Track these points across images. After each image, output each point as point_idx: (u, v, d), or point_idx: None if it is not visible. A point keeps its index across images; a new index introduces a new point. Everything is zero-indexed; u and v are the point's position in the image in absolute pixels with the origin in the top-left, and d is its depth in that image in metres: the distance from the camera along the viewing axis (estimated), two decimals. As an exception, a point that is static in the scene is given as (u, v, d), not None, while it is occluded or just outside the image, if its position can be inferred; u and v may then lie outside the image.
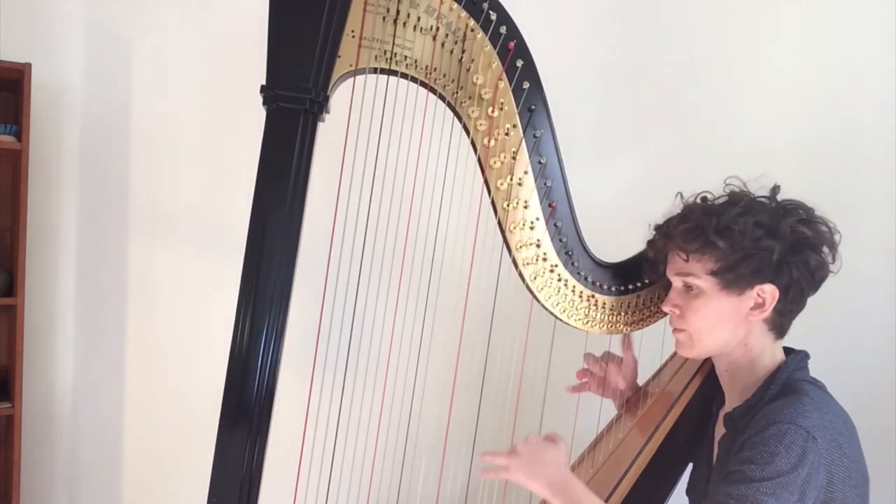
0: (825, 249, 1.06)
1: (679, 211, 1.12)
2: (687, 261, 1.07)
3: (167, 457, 1.92)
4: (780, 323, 1.08)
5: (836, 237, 1.07)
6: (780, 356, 1.10)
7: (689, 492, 1.24)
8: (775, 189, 1.10)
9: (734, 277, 1.03)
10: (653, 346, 1.31)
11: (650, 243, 1.16)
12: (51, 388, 1.85)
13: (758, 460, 0.95)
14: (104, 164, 1.87)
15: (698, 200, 1.12)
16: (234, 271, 1.01)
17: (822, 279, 1.07)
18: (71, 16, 1.81)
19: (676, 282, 1.11)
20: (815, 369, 1.12)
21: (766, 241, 1.02)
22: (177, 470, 1.89)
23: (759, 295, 1.05)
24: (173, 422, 1.90)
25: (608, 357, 1.32)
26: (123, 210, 1.87)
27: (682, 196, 1.14)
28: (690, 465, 1.25)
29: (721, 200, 1.09)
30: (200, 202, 1.88)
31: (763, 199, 1.08)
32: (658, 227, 1.15)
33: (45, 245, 1.82)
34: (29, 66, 1.63)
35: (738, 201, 1.07)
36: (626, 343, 1.31)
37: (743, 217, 1.03)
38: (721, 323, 1.07)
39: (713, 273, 1.04)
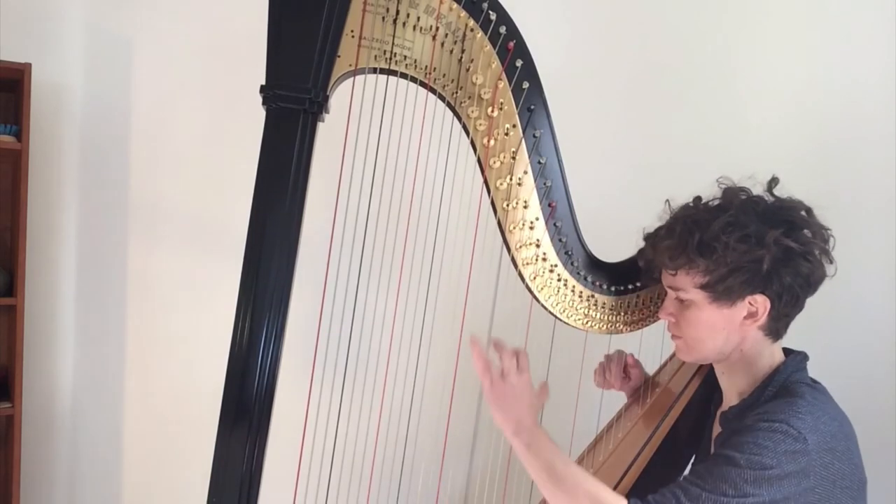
0: (816, 254, 1.03)
1: (667, 219, 1.10)
2: (675, 275, 1.07)
3: (167, 456, 1.92)
4: (776, 328, 1.07)
5: (830, 241, 1.05)
6: (779, 357, 1.10)
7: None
8: (772, 182, 1.08)
9: (724, 290, 1.02)
10: (653, 346, 1.31)
11: (640, 253, 1.15)
12: (51, 388, 1.86)
13: (745, 450, 0.95)
14: (104, 164, 1.87)
15: (690, 204, 1.09)
16: (234, 270, 1.01)
17: (819, 282, 1.05)
18: (71, 16, 1.81)
19: (669, 292, 1.11)
20: (815, 369, 1.12)
21: (754, 254, 1.00)
22: (176, 469, 1.89)
23: (751, 304, 1.04)
24: (173, 421, 1.90)
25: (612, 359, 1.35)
26: (123, 210, 1.87)
27: (669, 204, 1.12)
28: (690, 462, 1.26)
29: (714, 203, 1.07)
30: (200, 202, 1.88)
31: (757, 200, 1.06)
32: (647, 238, 1.14)
33: (45, 245, 1.82)
34: (29, 66, 1.63)
35: (728, 207, 1.04)
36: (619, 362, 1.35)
37: (728, 231, 1.00)
38: (714, 333, 1.07)
39: (702, 287, 1.04)
